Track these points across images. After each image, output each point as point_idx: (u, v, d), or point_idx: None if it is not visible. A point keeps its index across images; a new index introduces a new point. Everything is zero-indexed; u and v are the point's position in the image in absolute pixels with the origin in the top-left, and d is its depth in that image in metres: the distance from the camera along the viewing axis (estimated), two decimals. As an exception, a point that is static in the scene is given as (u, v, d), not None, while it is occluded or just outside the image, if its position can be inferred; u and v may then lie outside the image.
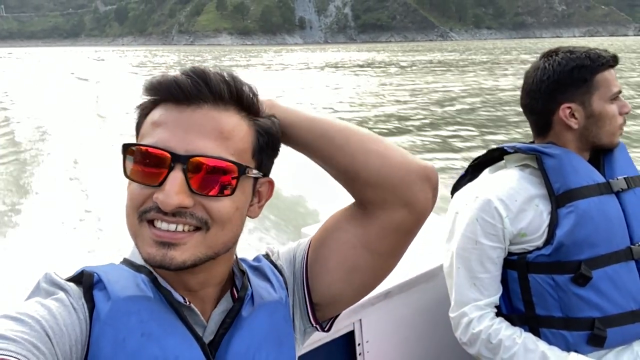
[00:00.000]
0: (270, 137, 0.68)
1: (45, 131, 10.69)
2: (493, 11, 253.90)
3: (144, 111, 0.65)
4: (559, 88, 1.19)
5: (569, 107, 1.19)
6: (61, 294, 0.60)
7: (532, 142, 1.30)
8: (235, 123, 0.63)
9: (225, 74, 0.64)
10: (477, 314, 1.21)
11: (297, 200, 5.12)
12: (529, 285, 1.18)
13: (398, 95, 17.38)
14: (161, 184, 0.59)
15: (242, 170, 0.62)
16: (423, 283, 1.52)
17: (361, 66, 35.35)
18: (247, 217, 0.70)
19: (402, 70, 30.19)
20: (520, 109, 1.28)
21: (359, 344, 1.41)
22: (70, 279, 0.64)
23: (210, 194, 0.60)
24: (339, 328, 1.34)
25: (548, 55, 1.22)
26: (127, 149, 0.62)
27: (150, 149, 0.60)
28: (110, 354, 0.58)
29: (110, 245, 4.20)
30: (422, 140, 9.69)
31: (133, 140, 0.64)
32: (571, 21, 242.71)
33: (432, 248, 1.63)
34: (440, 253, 1.33)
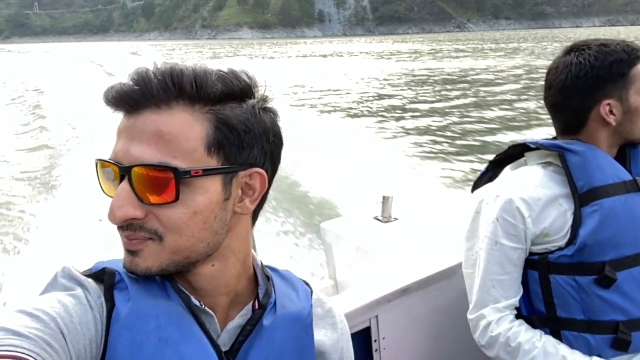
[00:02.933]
0: (232, 127, 0.60)
1: (73, 125, 10.77)
2: (512, 1, 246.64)
3: None
4: (598, 84, 1.10)
5: (608, 104, 1.11)
6: (79, 291, 0.58)
7: (555, 139, 1.22)
8: (179, 122, 0.58)
9: (166, 69, 0.58)
10: (496, 316, 1.15)
11: (317, 196, 4.99)
12: (550, 286, 1.12)
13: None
14: None
15: (180, 173, 0.57)
16: (442, 280, 1.49)
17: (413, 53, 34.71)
18: (246, 215, 0.66)
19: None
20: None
21: (375, 340, 1.38)
22: (90, 275, 0.62)
23: (155, 202, 0.57)
24: (355, 324, 1.32)
25: (578, 49, 1.13)
26: (97, 164, 0.61)
27: (105, 163, 0.59)
28: (128, 356, 0.56)
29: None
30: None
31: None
32: (591, 10, 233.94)
33: (451, 245, 1.59)
34: (460, 250, 1.33)
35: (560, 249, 1.10)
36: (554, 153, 1.14)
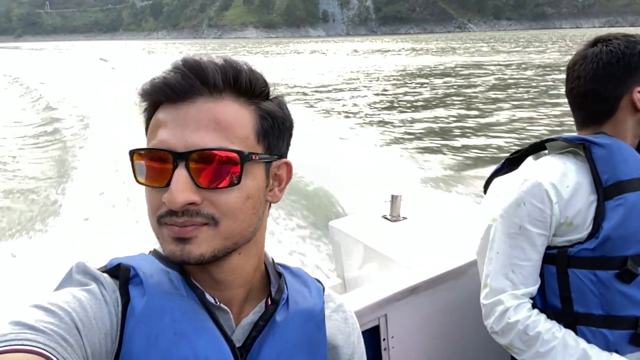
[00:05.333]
0: (275, 119, 0.64)
1: (86, 121, 10.78)
2: (513, 2, 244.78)
3: (148, 115, 0.63)
4: (630, 71, 1.10)
5: (639, 91, 1.10)
6: (93, 286, 0.58)
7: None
8: (233, 110, 0.60)
9: (220, 61, 0.61)
10: (514, 302, 1.10)
11: (326, 194, 4.94)
12: (568, 281, 1.08)
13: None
14: (168, 184, 0.57)
15: (245, 156, 0.59)
16: (451, 280, 1.47)
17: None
18: (272, 204, 0.68)
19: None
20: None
21: (384, 339, 1.37)
22: (105, 270, 0.62)
23: (217, 186, 0.58)
24: (364, 322, 1.30)
25: (605, 40, 1.13)
26: (133, 155, 0.60)
27: (151, 152, 0.59)
28: (144, 351, 0.56)
29: (144, 234, 4.12)
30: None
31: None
32: (591, 12, 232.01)
33: (460, 245, 1.56)
34: (469, 250, 1.32)
35: (579, 242, 1.07)
36: (578, 146, 1.10)
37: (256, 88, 0.62)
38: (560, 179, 1.08)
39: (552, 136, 1.17)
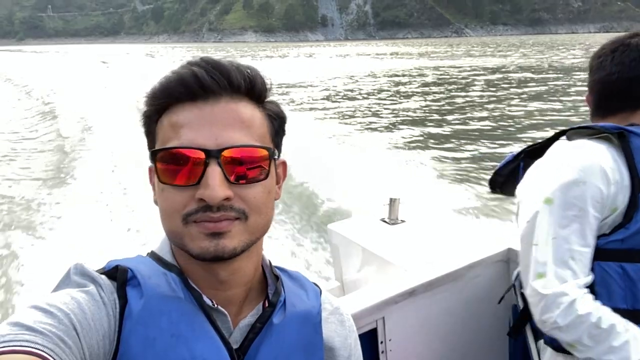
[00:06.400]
0: (280, 119, 0.67)
1: (84, 122, 10.75)
2: (510, 7, 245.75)
3: (154, 117, 0.63)
4: None
5: None
6: (92, 287, 0.58)
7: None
8: (250, 111, 0.62)
9: (239, 65, 0.62)
10: (579, 293, 0.98)
11: (324, 197, 4.92)
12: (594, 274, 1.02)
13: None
14: (199, 182, 0.57)
15: (272, 153, 0.62)
16: (449, 283, 1.47)
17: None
18: (276, 200, 0.69)
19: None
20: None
21: (381, 342, 1.36)
22: (103, 272, 0.61)
23: (248, 182, 0.59)
24: (362, 325, 1.30)
25: (637, 35, 1.12)
26: (156, 154, 0.60)
27: (182, 150, 0.58)
28: (141, 352, 0.56)
29: (140, 238, 4.10)
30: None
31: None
32: (587, 17, 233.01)
33: (457, 248, 1.56)
34: (467, 253, 1.30)
35: (604, 234, 1.01)
36: (614, 134, 1.05)
37: (267, 91, 0.65)
38: (612, 162, 1.01)
39: (587, 124, 1.12)
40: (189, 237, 0.59)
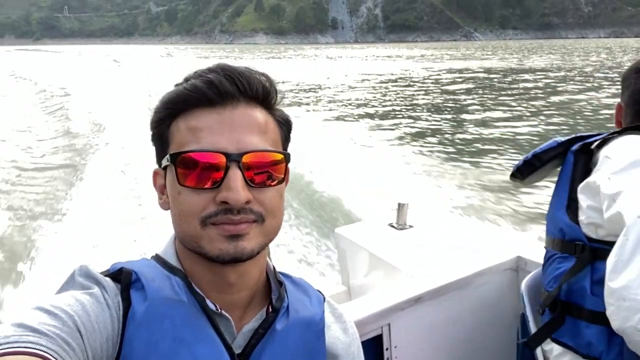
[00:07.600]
0: (288, 125, 0.69)
1: (99, 124, 10.83)
2: (520, 12, 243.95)
3: (167, 121, 0.63)
4: None
5: None
6: (96, 289, 0.58)
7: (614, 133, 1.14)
8: (265, 117, 0.63)
9: (255, 72, 0.63)
10: None
11: (332, 201, 4.88)
12: None
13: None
14: (219, 185, 0.58)
15: (288, 157, 0.63)
16: (456, 290, 1.45)
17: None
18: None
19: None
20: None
21: (386, 349, 1.34)
22: (107, 274, 0.61)
23: (266, 186, 0.60)
24: (367, 331, 1.28)
25: None
26: (176, 158, 0.60)
27: (203, 154, 0.58)
28: (143, 355, 0.56)
29: (146, 239, 4.09)
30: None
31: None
32: (597, 22, 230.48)
33: (465, 255, 1.54)
34: (475, 260, 1.29)
35: None
36: None
37: (278, 99, 0.66)
38: None
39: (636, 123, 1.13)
40: (207, 239, 0.59)
